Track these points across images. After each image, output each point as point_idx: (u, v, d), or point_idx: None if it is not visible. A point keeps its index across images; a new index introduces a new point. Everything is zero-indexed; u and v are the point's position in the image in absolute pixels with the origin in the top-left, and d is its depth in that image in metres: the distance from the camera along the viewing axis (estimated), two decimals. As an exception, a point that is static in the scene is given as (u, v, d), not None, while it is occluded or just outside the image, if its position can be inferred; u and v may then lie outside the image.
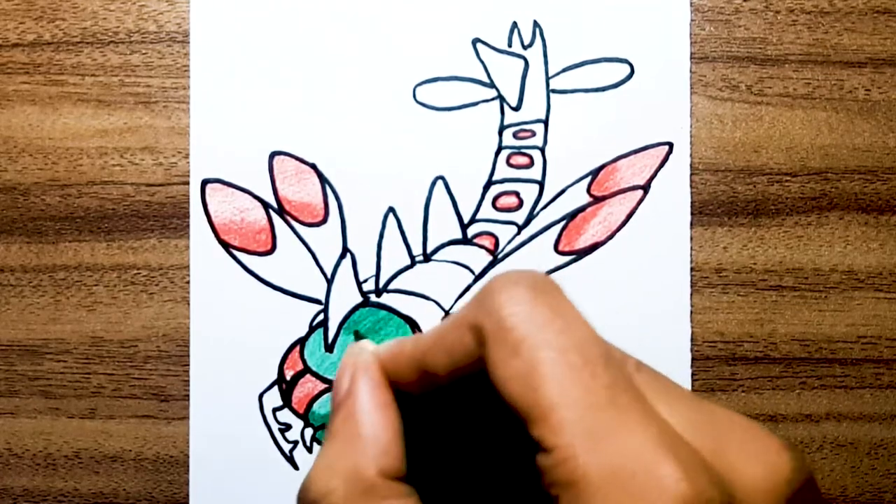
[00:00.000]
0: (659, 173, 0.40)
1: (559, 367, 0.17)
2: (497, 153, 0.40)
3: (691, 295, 0.40)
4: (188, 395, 0.40)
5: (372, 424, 0.19)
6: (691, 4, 0.40)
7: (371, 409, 0.20)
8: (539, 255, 0.40)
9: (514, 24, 0.40)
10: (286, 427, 0.40)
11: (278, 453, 0.40)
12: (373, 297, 0.40)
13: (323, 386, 0.40)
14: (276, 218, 0.40)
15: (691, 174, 0.40)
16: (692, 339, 0.40)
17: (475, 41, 0.40)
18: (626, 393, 0.17)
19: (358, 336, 0.22)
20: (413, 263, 0.40)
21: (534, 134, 0.40)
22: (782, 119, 0.40)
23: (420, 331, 0.40)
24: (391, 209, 0.40)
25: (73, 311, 0.40)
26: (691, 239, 0.40)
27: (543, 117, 0.40)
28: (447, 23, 0.40)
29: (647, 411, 0.17)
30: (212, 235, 0.40)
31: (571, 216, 0.40)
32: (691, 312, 0.40)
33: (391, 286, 0.40)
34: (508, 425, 0.19)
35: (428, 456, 0.21)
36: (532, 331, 0.18)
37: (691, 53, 0.40)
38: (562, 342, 0.17)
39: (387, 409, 0.20)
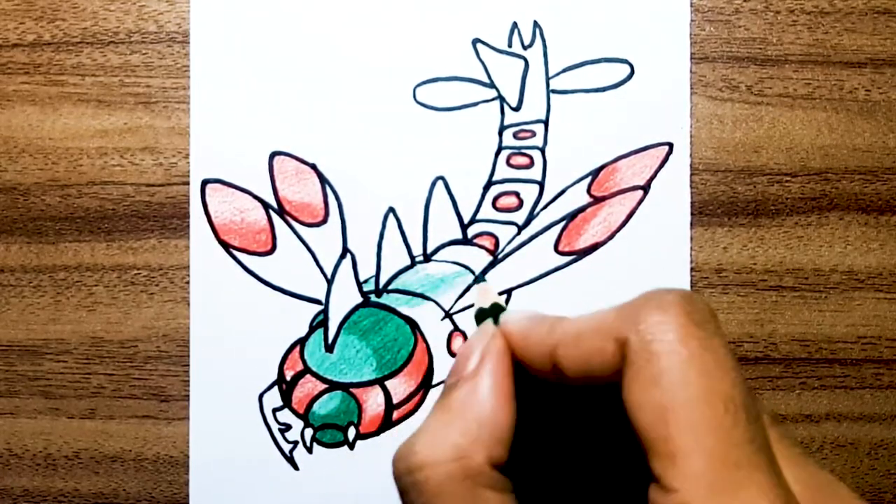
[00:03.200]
0: (659, 173, 0.40)
1: (698, 410, 0.17)
2: (497, 153, 0.40)
3: (691, 295, 0.40)
4: (188, 395, 0.40)
5: (492, 410, 0.19)
6: (691, 4, 0.40)
7: (494, 395, 0.19)
8: (539, 256, 0.40)
9: (514, 25, 0.40)
10: (286, 427, 0.40)
11: (278, 453, 0.40)
12: (373, 297, 0.40)
13: (323, 386, 0.40)
14: (276, 218, 0.40)
15: (691, 174, 0.40)
16: (692, 340, 0.40)
17: (475, 41, 0.40)
18: (759, 454, 0.17)
19: (487, 312, 0.21)
20: (413, 263, 0.40)
21: (534, 134, 0.40)
22: (782, 119, 0.40)
23: (420, 331, 0.40)
24: (391, 209, 0.40)
25: (73, 312, 0.40)
26: (691, 239, 0.40)
27: (543, 117, 0.40)
28: (447, 23, 0.40)
29: (774, 477, 0.17)
30: (212, 235, 0.40)
31: (571, 216, 0.40)
32: (691, 312, 0.40)
33: (391, 286, 0.40)
34: (623, 441, 0.19)
35: (531, 442, 0.20)
36: (678, 364, 0.17)
37: (691, 53, 0.40)
38: (707, 384, 0.17)
39: (508, 399, 0.19)
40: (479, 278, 0.39)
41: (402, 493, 0.19)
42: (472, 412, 0.19)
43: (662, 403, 0.17)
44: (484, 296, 0.21)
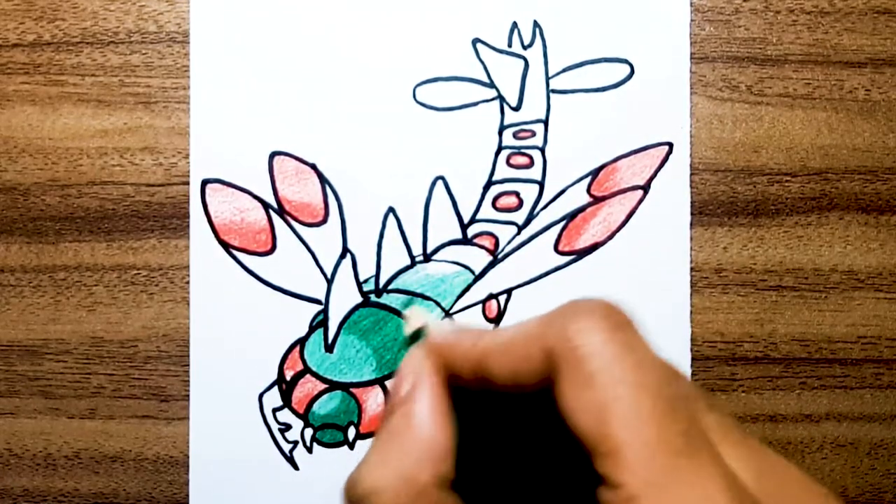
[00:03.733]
0: (659, 173, 0.40)
1: (633, 404, 0.17)
2: (497, 153, 0.40)
3: (691, 295, 0.40)
4: (188, 395, 0.40)
5: (430, 430, 0.19)
6: (691, 4, 0.40)
7: (431, 415, 0.20)
8: (539, 255, 0.40)
9: (514, 24, 0.40)
10: (286, 427, 0.40)
11: (278, 453, 0.40)
12: (373, 297, 0.40)
13: (323, 386, 0.40)
14: (276, 218, 0.40)
15: (691, 174, 0.40)
16: (692, 340, 0.40)
17: (475, 41, 0.40)
18: (698, 439, 0.17)
19: (415, 336, 0.22)
20: (413, 263, 0.40)
21: (534, 134, 0.40)
22: (782, 119, 0.40)
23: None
24: (391, 209, 0.40)
25: (73, 311, 0.40)
26: (691, 239, 0.40)
27: (543, 117, 0.40)
28: (447, 23, 0.40)
29: (717, 460, 0.17)
30: (212, 235, 0.40)
31: (571, 216, 0.40)
32: (691, 312, 0.40)
33: (391, 286, 0.40)
34: (565, 446, 0.19)
35: (474, 458, 0.20)
36: (606, 365, 0.17)
37: (691, 53, 0.40)
38: (637, 379, 0.17)
39: (446, 417, 0.20)
40: (408, 302, 0.39)
41: None
42: (411, 434, 0.19)
43: (597, 403, 0.17)
44: (413, 320, 0.22)
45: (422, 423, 0.19)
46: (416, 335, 0.22)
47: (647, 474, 0.16)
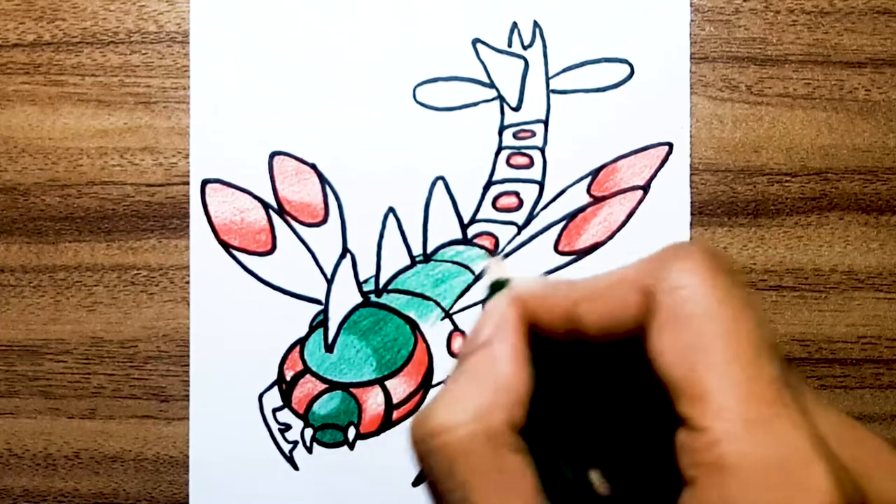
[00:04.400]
0: (659, 173, 0.40)
1: (728, 350, 0.17)
2: (497, 153, 0.40)
3: (691, 295, 0.40)
4: (188, 395, 0.40)
5: (509, 373, 0.19)
6: (691, 4, 0.40)
7: (510, 359, 0.19)
8: (539, 255, 0.40)
9: (514, 25, 0.40)
10: (286, 427, 0.40)
11: (278, 453, 0.40)
12: (373, 297, 0.40)
13: (323, 386, 0.40)
14: (276, 218, 0.40)
15: (691, 174, 0.40)
16: (692, 340, 0.40)
17: (475, 41, 0.40)
18: (786, 391, 0.17)
19: (499, 285, 0.21)
20: (413, 263, 0.40)
21: (534, 134, 0.40)
22: (782, 119, 0.40)
23: (420, 332, 0.40)
24: (391, 209, 0.40)
25: (73, 312, 0.40)
26: (691, 239, 0.40)
27: (543, 117, 0.40)
28: (447, 23, 0.40)
29: (804, 414, 0.17)
30: (212, 235, 0.40)
31: (571, 216, 0.40)
32: (691, 312, 0.40)
33: (391, 286, 0.40)
34: (642, 398, 0.19)
35: (549, 404, 0.20)
36: (706, 308, 0.17)
37: (691, 53, 0.40)
38: (733, 326, 0.17)
39: (525, 362, 0.19)
40: (494, 253, 0.39)
41: (421, 458, 0.19)
42: (489, 376, 0.19)
43: (690, 345, 0.17)
44: (497, 269, 0.22)
45: (501, 366, 0.19)
46: (496, 286, 0.21)
47: (732, 421, 0.16)
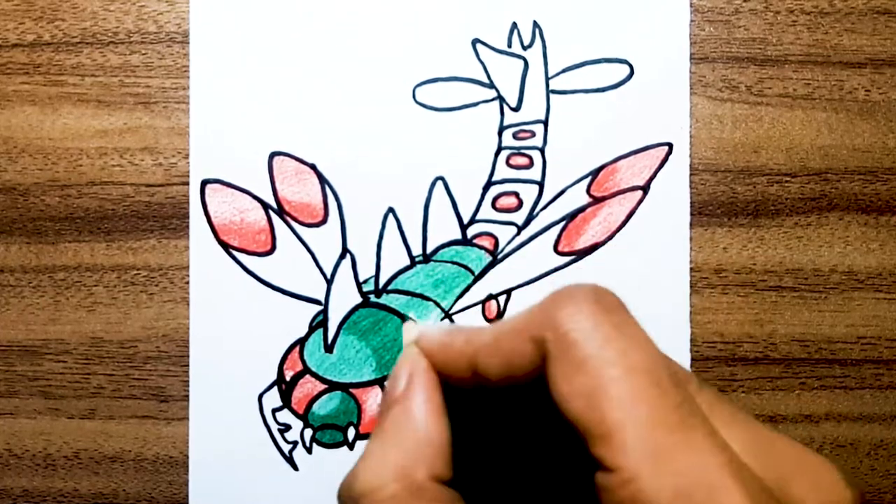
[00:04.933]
0: (659, 174, 0.40)
1: (625, 385, 0.17)
2: (497, 153, 0.40)
3: (691, 295, 0.40)
4: (188, 396, 0.40)
5: (426, 427, 0.19)
6: (691, 5, 0.40)
7: (426, 412, 0.19)
8: (539, 256, 0.40)
9: (514, 25, 0.40)
10: (286, 427, 0.40)
11: (278, 454, 0.40)
12: (373, 298, 0.40)
13: (322, 386, 0.40)
14: (275, 218, 0.40)
15: (691, 175, 0.40)
16: (692, 340, 0.40)
17: (475, 41, 0.40)
18: (692, 415, 0.17)
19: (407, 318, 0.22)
20: (413, 263, 0.40)
21: (533, 134, 0.40)
22: (782, 119, 0.40)
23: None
24: (391, 209, 0.40)
25: (73, 312, 0.40)
26: (691, 239, 0.40)
27: (543, 118, 0.40)
28: (447, 23, 0.40)
29: (712, 435, 0.17)
30: (212, 236, 0.40)
31: (571, 217, 0.40)
32: (691, 313, 0.40)
33: (391, 286, 0.40)
34: (561, 437, 0.19)
35: (473, 456, 0.20)
36: (597, 348, 0.17)
37: (691, 54, 0.40)
38: (628, 361, 0.17)
39: (441, 414, 0.20)
40: (405, 318, 0.39)
41: None
42: (406, 431, 0.19)
43: (589, 387, 0.17)
44: (407, 335, 0.22)
45: (417, 420, 0.19)
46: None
47: (642, 454, 0.16)
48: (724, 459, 0.16)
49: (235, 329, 0.40)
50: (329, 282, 0.40)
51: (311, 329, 0.40)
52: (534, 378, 0.19)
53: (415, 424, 0.19)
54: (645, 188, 0.40)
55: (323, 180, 0.40)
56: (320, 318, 0.40)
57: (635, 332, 0.18)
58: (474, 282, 0.40)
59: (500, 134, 0.40)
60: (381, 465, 0.19)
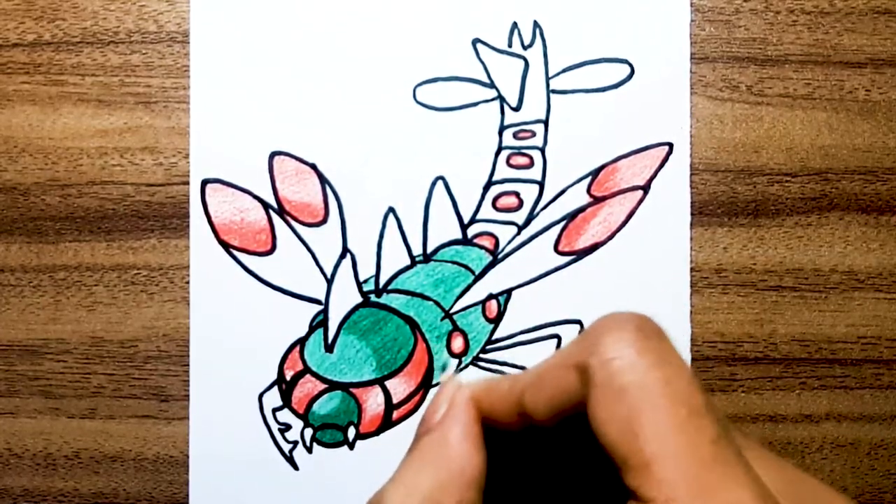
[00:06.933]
0: (659, 173, 0.40)
1: (664, 416, 0.17)
2: (497, 153, 0.40)
3: (691, 295, 0.40)
4: (188, 395, 0.40)
5: (461, 455, 0.19)
6: (691, 5, 0.40)
7: (463, 440, 0.19)
8: (539, 256, 0.40)
9: (514, 25, 0.40)
10: (286, 427, 0.40)
11: (278, 453, 0.40)
12: (373, 297, 0.40)
13: (323, 386, 0.40)
14: (276, 218, 0.40)
15: (691, 174, 0.40)
16: (692, 340, 0.40)
17: (475, 41, 0.40)
18: (730, 449, 0.17)
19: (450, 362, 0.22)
20: (413, 263, 0.40)
21: (534, 134, 0.40)
22: (782, 119, 0.40)
23: (420, 331, 0.40)
24: (391, 209, 0.40)
25: (73, 311, 0.40)
26: (691, 239, 0.40)
27: (543, 117, 0.40)
28: (447, 23, 0.40)
29: (748, 469, 0.17)
30: (212, 235, 0.40)
31: (571, 216, 0.40)
32: (691, 313, 0.40)
33: (391, 286, 0.40)
34: (597, 470, 0.19)
35: (507, 492, 0.20)
36: (639, 375, 0.17)
37: (691, 54, 0.40)
38: (669, 390, 0.17)
39: (478, 446, 0.19)
40: (444, 365, 0.40)
41: None
42: (441, 459, 0.19)
43: (628, 416, 0.17)
44: (449, 384, 0.22)
45: (454, 449, 0.19)
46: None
47: (676, 488, 0.16)
48: (759, 494, 0.16)
49: (235, 329, 0.40)
50: (329, 281, 0.40)
51: (312, 329, 0.40)
52: (578, 411, 0.18)
53: (449, 453, 0.19)
54: (645, 188, 0.40)
55: (323, 180, 0.40)
56: (320, 317, 0.40)
57: (676, 363, 0.18)
58: (474, 281, 0.40)
59: (500, 134, 0.40)
60: (412, 489, 0.19)
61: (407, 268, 0.40)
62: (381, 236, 0.40)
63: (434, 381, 0.40)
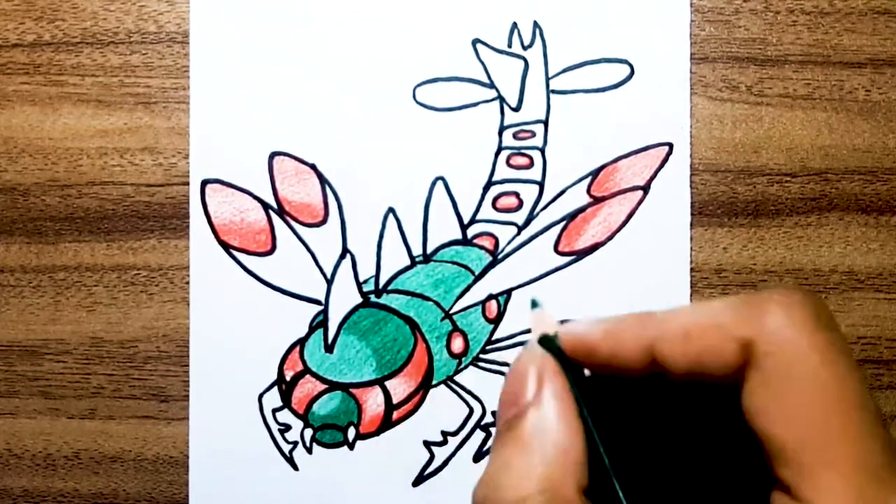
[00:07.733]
0: (659, 174, 0.40)
1: (835, 419, 0.16)
2: (497, 154, 0.40)
3: (691, 295, 0.40)
4: (188, 396, 0.40)
5: (566, 435, 0.18)
6: (691, 5, 0.40)
7: (564, 419, 0.18)
8: (539, 256, 0.40)
9: (514, 25, 0.40)
10: (286, 427, 0.40)
11: (278, 454, 0.40)
12: (373, 298, 0.40)
13: (322, 386, 0.40)
14: (275, 218, 0.40)
15: (691, 175, 0.40)
16: (692, 340, 0.40)
17: (475, 41, 0.40)
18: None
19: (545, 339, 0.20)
20: (413, 263, 0.40)
21: (534, 134, 0.40)
22: (782, 119, 0.40)
23: (420, 331, 0.40)
24: (391, 209, 0.40)
25: (73, 312, 0.40)
26: (691, 239, 0.40)
27: (543, 118, 0.40)
28: (447, 23, 0.40)
29: None
30: (212, 236, 0.40)
31: (571, 216, 0.40)
32: (691, 313, 0.40)
33: (391, 286, 0.40)
34: (721, 434, 0.18)
35: (604, 456, 0.19)
36: (812, 369, 0.16)
37: (691, 54, 0.40)
38: (840, 392, 0.16)
39: (576, 420, 0.18)
40: (535, 303, 0.38)
41: None
42: (549, 440, 0.18)
43: (794, 409, 0.16)
44: (541, 323, 0.20)
45: (558, 429, 0.18)
46: (545, 341, 0.20)
47: (843, 498, 0.15)
48: None
49: (235, 329, 0.40)
50: (329, 282, 0.40)
51: (312, 329, 0.40)
52: (722, 380, 0.17)
53: (556, 433, 0.18)
54: (645, 188, 0.40)
55: (323, 180, 0.40)
56: (320, 318, 0.40)
57: (850, 358, 0.17)
58: (474, 282, 0.40)
59: (500, 134, 0.40)
60: (527, 474, 0.18)
61: (407, 268, 0.40)
62: (381, 236, 0.40)
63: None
